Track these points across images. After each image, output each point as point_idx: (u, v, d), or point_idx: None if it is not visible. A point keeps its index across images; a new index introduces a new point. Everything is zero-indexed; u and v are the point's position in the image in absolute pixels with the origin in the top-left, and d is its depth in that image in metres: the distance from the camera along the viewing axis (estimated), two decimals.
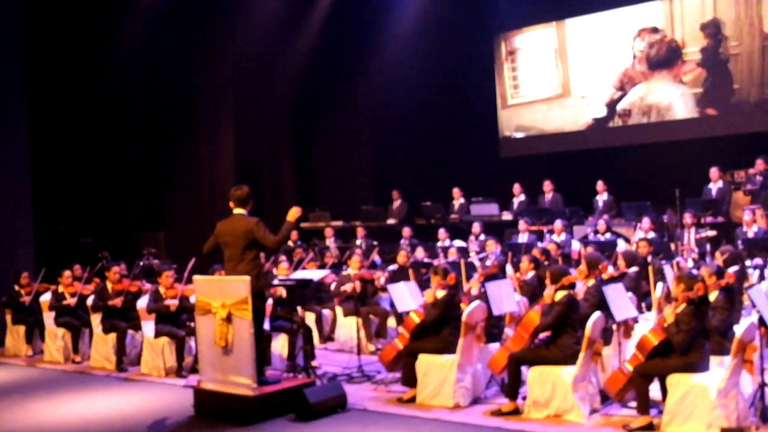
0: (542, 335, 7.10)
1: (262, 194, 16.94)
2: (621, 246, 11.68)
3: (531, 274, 9.28)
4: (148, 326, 9.74)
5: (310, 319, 10.66)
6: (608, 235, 12.34)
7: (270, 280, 9.41)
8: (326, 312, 11.17)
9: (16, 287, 11.46)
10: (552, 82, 17.00)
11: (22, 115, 13.28)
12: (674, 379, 6.31)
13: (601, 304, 7.19)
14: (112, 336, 10.03)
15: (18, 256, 12.76)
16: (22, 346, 11.30)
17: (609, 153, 15.85)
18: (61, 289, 10.90)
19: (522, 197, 14.77)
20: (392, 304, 9.59)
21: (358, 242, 14.50)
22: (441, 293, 7.73)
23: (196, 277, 7.96)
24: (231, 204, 7.65)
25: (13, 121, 13.13)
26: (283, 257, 11.88)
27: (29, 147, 13.41)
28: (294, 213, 7.58)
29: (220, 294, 7.40)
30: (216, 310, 7.38)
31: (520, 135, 17.37)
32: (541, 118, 17.18)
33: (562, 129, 16.83)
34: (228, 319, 7.32)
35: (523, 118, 17.44)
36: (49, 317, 10.94)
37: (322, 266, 11.86)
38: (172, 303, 9.48)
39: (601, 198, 13.78)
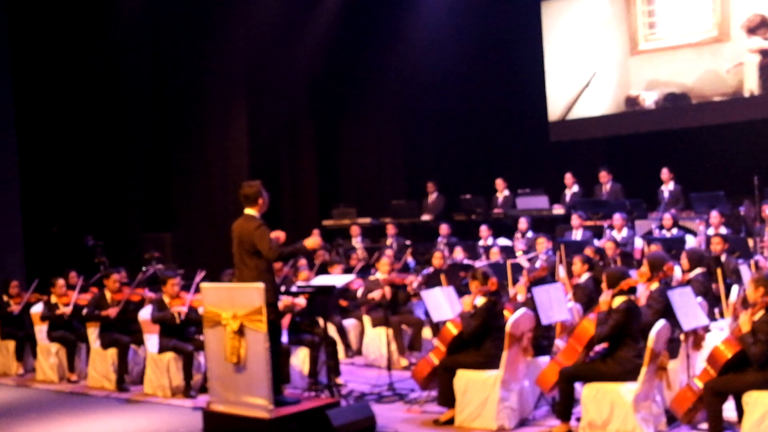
0: (598, 347, 7.05)
1: (280, 189, 17.00)
2: (690, 243, 11.58)
3: (585, 276, 9.23)
4: (152, 340, 9.83)
5: (333, 330, 10.68)
6: (675, 231, 12.22)
7: (288, 287, 9.45)
8: (352, 322, 11.21)
9: (5, 297, 11.62)
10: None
11: (7, 102, 13.41)
12: (751, 398, 6.23)
13: (667, 311, 7.12)
14: (112, 352, 10.12)
15: (6, 262, 12.91)
16: (12, 363, 11.45)
17: (675, 135, 15.66)
18: (54, 299, 11.02)
19: (575, 188, 14.67)
20: (427, 313, 9.60)
21: (388, 242, 14.52)
22: (481, 300, 7.70)
23: (203, 285, 8.01)
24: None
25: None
26: (303, 260, 11.93)
27: (17, 138, 13.55)
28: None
29: (231, 303, 7.44)
30: (226, 322, 7.42)
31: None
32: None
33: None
34: (240, 331, 7.35)
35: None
36: (41, 331, 11.07)
37: (347, 270, 11.87)
38: (180, 310, 9.56)
39: (667, 188, 13.65)
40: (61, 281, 11.13)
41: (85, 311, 10.50)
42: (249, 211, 7.64)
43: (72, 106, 15.41)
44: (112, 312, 10.15)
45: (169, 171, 16.86)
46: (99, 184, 15.77)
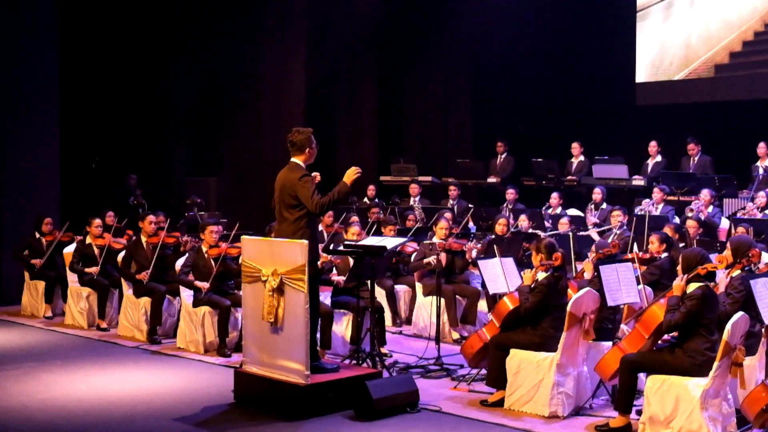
0: (667, 336, 6.94)
1: (337, 140, 17.04)
2: None
3: (662, 257, 9.09)
4: (188, 292, 9.95)
5: (382, 295, 10.72)
6: None
7: (337, 245, 9.48)
8: (404, 288, 11.22)
9: (37, 235, 11.89)
10: None
11: (51, 30, 13.55)
12: None
13: (747, 302, 6.99)
14: (146, 301, 10.30)
15: (41, 197, 13.15)
16: (41, 305, 11.74)
17: None
18: (88, 240, 11.24)
19: (659, 158, 14.45)
20: (484, 284, 9.56)
21: (449, 204, 14.47)
22: (543, 275, 7.64)
23: (244, 237, 8.08)
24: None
25: (41, 38, 13.39)
26: (355, 217, 11.96)
27: (59, 69, 13.71)
28: (351, 174, 7.61)
29: (272, 259, 7.49)
30: (266, 278, 7.47)
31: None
32: None
33: None
34: (279, 290, 7.41)
35: None
36: (73, 273, 11.30)
37: (402, 231, 11.86)
38: (202, 285, 9.67)
39: (763, 164, 13.38)
40: (97, 221, 11.34)
41: (119, 259, 10.68)
42: (295, 159, 7.67)
43: (120, 38, 15.55)
44: (144, 276, 10.30)
45: (218, 113, 16.96)
46: (144, 121, 15.94)
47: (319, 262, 8.37)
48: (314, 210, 7.46)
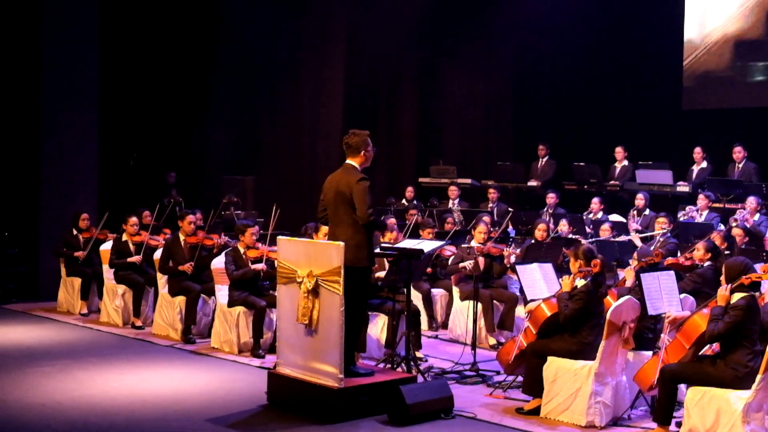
0: (709, 347, 6.87)
1: (376, 140, 16.83)
2: None
3: (706, 265, 9.00)
4: (223, 291, 10.02)
5: (418, 299, 10.72)
6: None
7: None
8: (440, 292, 11.21)
9: (74, 231, 12.02)
10: None
11: (92, 28, 13.68)
12: None
13: None
14: (181, 299, 10.38)
15: (79, 193, 13.29)
16: (77, 302, 11.89)
17: None
18: (125, 237, 11.34)
19: (704, 164, 14.27)
20: (522, 290, 9.51)
21: (488, 207, 14.42)
22: (581, 282, 7.59)
23: (280, 238, 8.10)
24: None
25: (80, 34, 13.53)
26: (392, 219, 11.94)
27: (99, 66, 13.85)
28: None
29: (308, 260, 7.51)
30: (301, 280, 7.49)
31: None
32: None
33: None
34: (315, 291, 7.42)
35: None
36: (109, 270, 11.43)
37: (440, 234, 11.83)
38: (259, 266, 9.73)
39: None
40: (134, 219, 11.45)
41: (157, 257, 10.76)
42: (350, 161, 7.67)
43: (159, 36, 15.65)
44: (188, 268, 10.38)
45: (256, 112, 17.02)
46: (182, 118, 16.01)
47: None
48: (363, 219, 7.41)
